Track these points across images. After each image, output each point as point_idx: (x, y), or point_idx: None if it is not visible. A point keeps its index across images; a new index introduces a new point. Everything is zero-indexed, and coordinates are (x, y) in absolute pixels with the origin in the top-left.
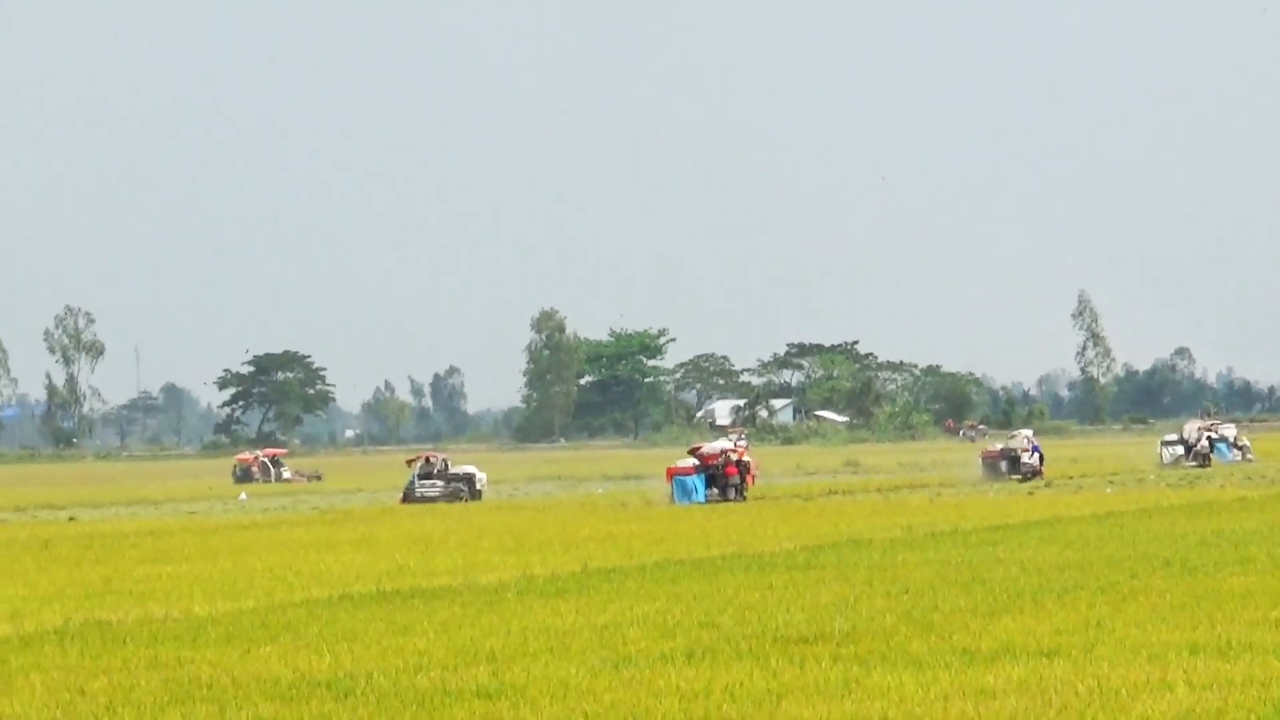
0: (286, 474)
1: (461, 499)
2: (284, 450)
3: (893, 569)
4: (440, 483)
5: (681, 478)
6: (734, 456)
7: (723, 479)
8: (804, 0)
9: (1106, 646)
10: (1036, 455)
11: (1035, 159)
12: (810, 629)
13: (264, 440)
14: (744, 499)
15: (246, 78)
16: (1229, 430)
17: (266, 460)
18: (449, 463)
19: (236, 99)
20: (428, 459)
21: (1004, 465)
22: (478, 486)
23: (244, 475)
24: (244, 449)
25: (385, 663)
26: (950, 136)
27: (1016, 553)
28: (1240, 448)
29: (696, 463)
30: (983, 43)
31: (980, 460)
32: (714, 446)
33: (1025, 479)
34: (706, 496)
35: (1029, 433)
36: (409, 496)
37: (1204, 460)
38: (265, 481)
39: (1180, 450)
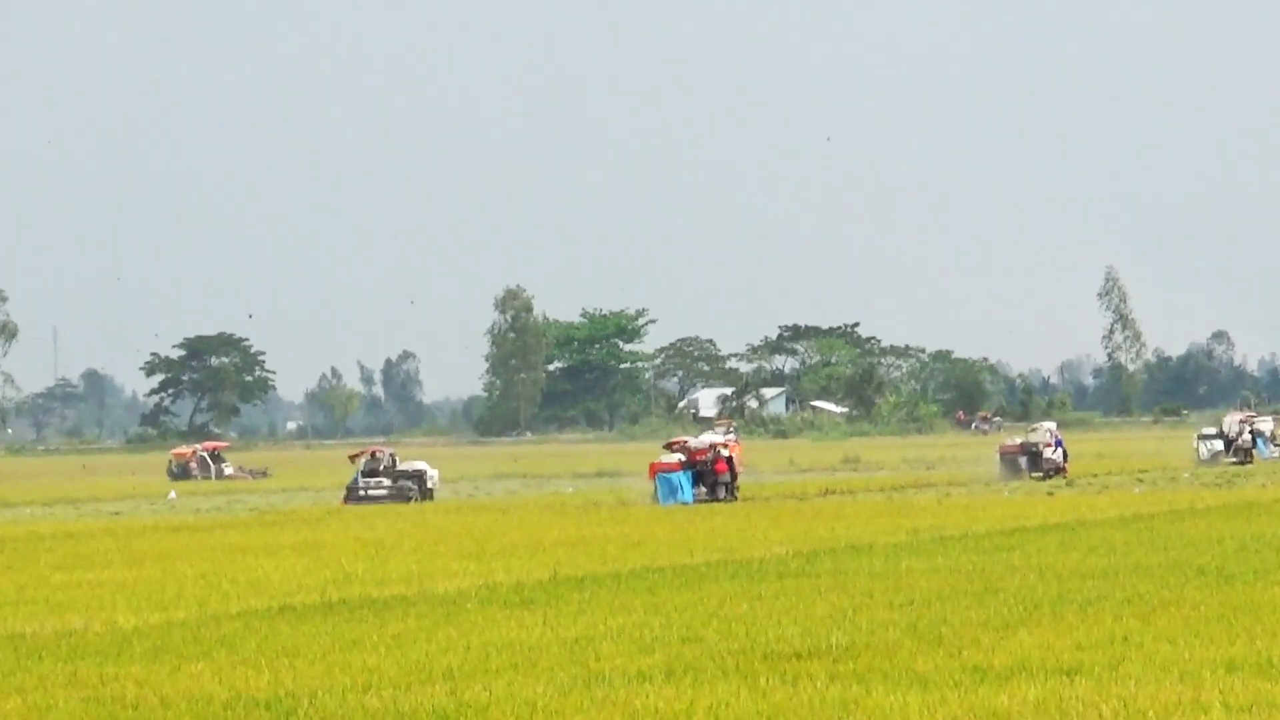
0: (229, 470)
1: (411, 499)
2: (225, 444)
3: (896, 577)
4: (387, 481)
5: (666, 475)
6: (724, 452)
7: (711, 476)
8: None
9: (1134, 664)
10: (1060, 451)
11: (1058, 123)
12: (804, 644)
13: (197, 433)
14: (735, 498)
15: (176, 46)
16: (1265, 424)
17: (206, 455)
18: (397, 459)
19: (166, 65)
20: (373, 454)
21: (1024, 461)
22: (429, 485)
23: (181, 472)
24: (177, 442)
25: (331, 681)
26: (962, 96)
27: (1034, 559)
28: (1279, 444)
29: (682, 459)
30: (999, 4)
31: (998, 456)
32: (701, 440)
33: (1047, 477)
34: (694, 496)
35: (1052, 425)
36: (352, 496)
37: (1246, 456)
38: (205, 478)
39: (1219, 445)
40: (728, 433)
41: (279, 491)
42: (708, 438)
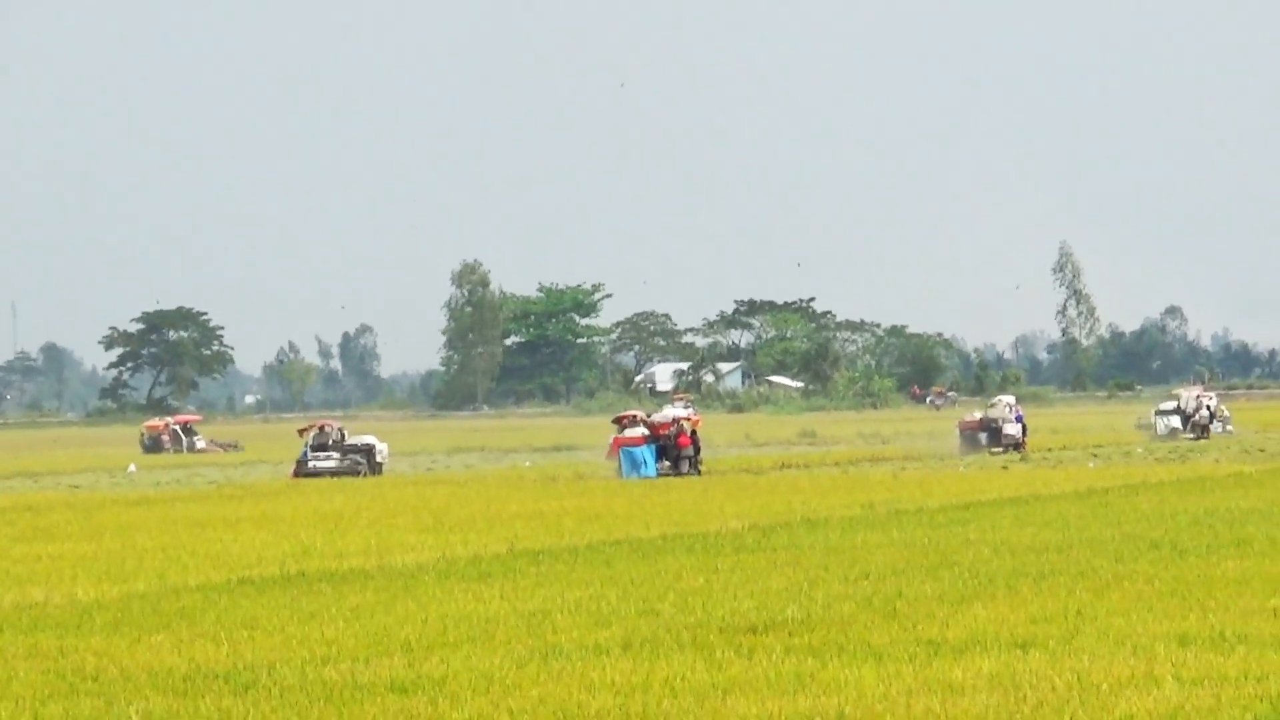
0: (200, 443)
1: (360, 472)
2: (198, 418)
3: (851, 551)
4: (336, 455)
5: (630, 449)
6: (687, 426)
7: (675, 450)
8: None
9: (1087, 637)
10: (1019, 425)
11: (1012, 99)
12: (760, 617)
13: (155, 407)
14: (699, 472)
15: (139, 17)
16: (1211, 399)
17: (178, 428)
18: (345, 433)
19: (125, 37)
20: (322, 428)
21: (983, 436)
22: (378, 459)
23: (153, 444)
24: (136, 416)
25: (290, 653)
26: (918, 74)
27: (988, 534)
28: (1221, 419)
29: (646, 433)
30: None
31: (957, 431)
32: (665, 415)
33: (1006, 451)
34: (658, 470)
35: (1011, 400)
36: (301, 469)
37: (1203, 431)
38: (177, 451)
39: (1177, 421)
40: (686, 407)
41: (238, 465)
42: (670, 412)
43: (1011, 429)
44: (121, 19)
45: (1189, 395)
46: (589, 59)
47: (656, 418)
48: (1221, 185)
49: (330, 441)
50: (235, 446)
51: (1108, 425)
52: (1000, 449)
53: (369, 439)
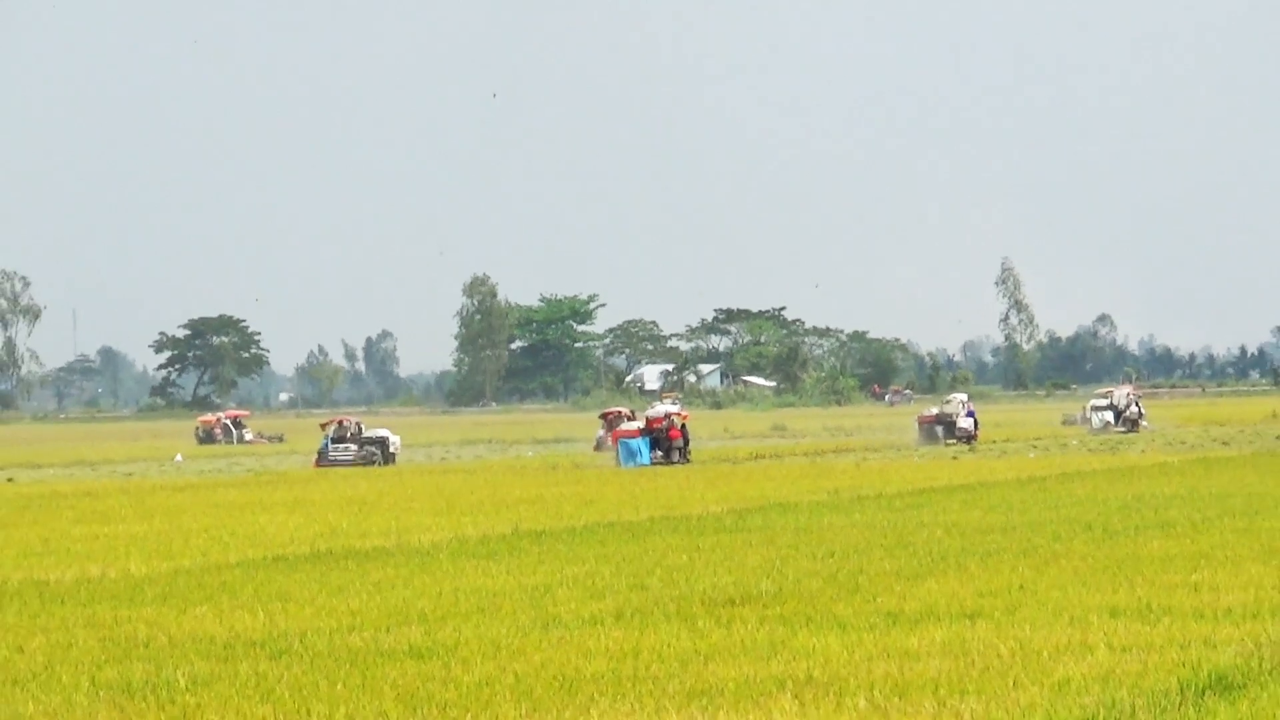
0: (249, 436)
1: (375, 463)
2: (246, 413)
3: (819, 532)
4: (354, 447)
5: (627, 440)
6: (677, 420)
7: (667, 442)
8: None
9: (1029, 609)
10: (972, 420)
11: (959, 126)
12: (737, 591)
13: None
14: (688, 461)
15: (178, 42)
16: (1123, 391)
17: (229, 422)
18: (363, 426)
19: (169, 65)
20: (341, 423)
21: (940, 430)
22: (391, 450)
23: (206, 437)
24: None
25: (319, 623)
26: (875, 106)
27: (940, 516)
28: (1141, 415)
29: (641, 426)
30: (905, 6)
31: (916, 425)
32: (657, 410)
33: (960, 443)
34: (651, 459)
35: (964, 397)
36: (323, 459)
37: (1133, 425)
38: (228, 443)
39: (1110, 415)
40: (674, 404)
41: (274, 455)
42: (662, 408)
43: (964, 423)
44: (155, 38)
45: (1121, 393)
46: (587, 91)
47: (650, 413)
48: (1148, 203)
49: (349, 435)
50: (279, 439)
51: (1046, 420)
52: (955, 441)
53: (383, 432)
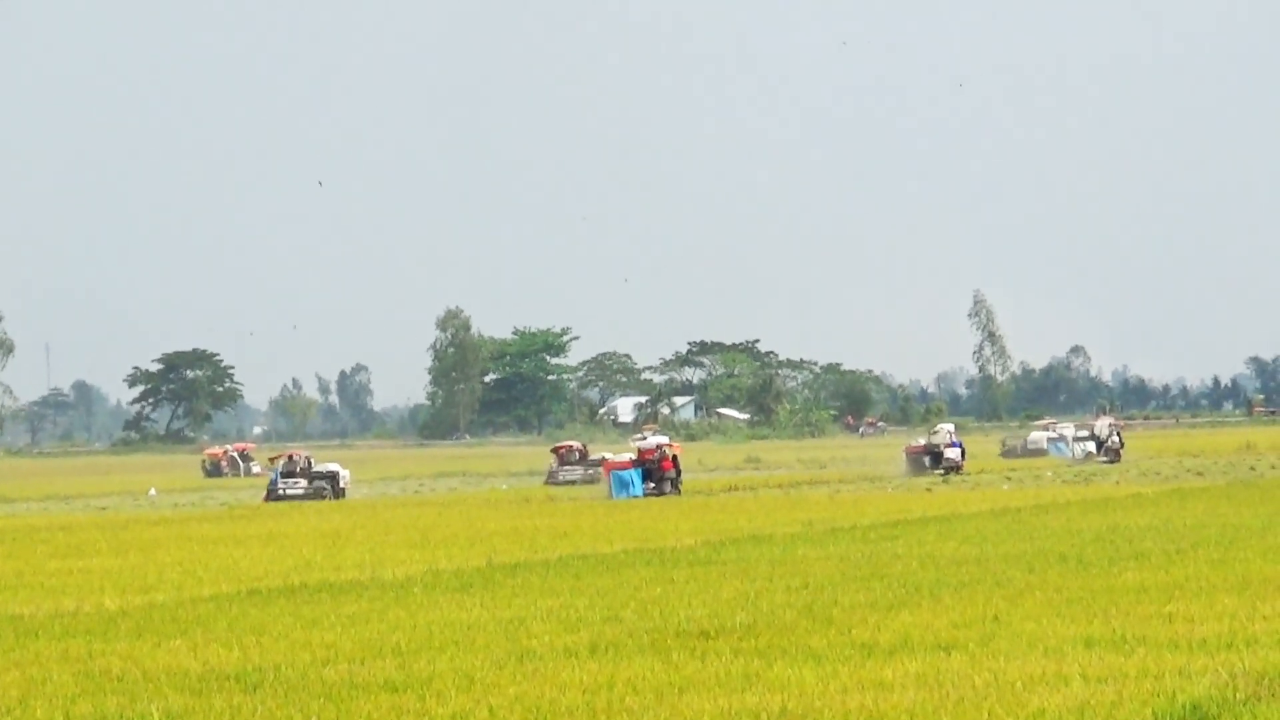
0: (256, 468)
1: (325, 497)
2: (253, 445)
3: (793, 564)
4: (304, 481)
5: (619, 472)
6: (669, 452)
7: (659, 473)
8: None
9: (1003, 640)
10: (959, 450)
11: (931, 160)
12: (711, 623)
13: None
14: (679, 492)
15: (155, 67)
16: (1068, 429)
17: (236, 455)
18: (312, 461)
19: (146, 92)
20: (290, 457)
21: (927, 460)
22: (341, 485)
23: (214, 470)
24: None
25: (293, 656)
26: (849, 136)
27: (915, 548)
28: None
29: (633, 458)
30: (878, 38)
31: (904, 455)
32: (649, 442)
33: (948, 473)
34: (644, 490)
35: (950, 428)
36: (272, 495)
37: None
38: (234, 475)
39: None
40: (651, 436)
41: (247, 489)
42: (654, 439)
43: (952, 453)
44: (130, 64)
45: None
46: (560, 122)
47: (641, 444)
48: (1122, 235)
49: (298, 469)
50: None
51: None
52: (942, 471)
53: (333, 466)
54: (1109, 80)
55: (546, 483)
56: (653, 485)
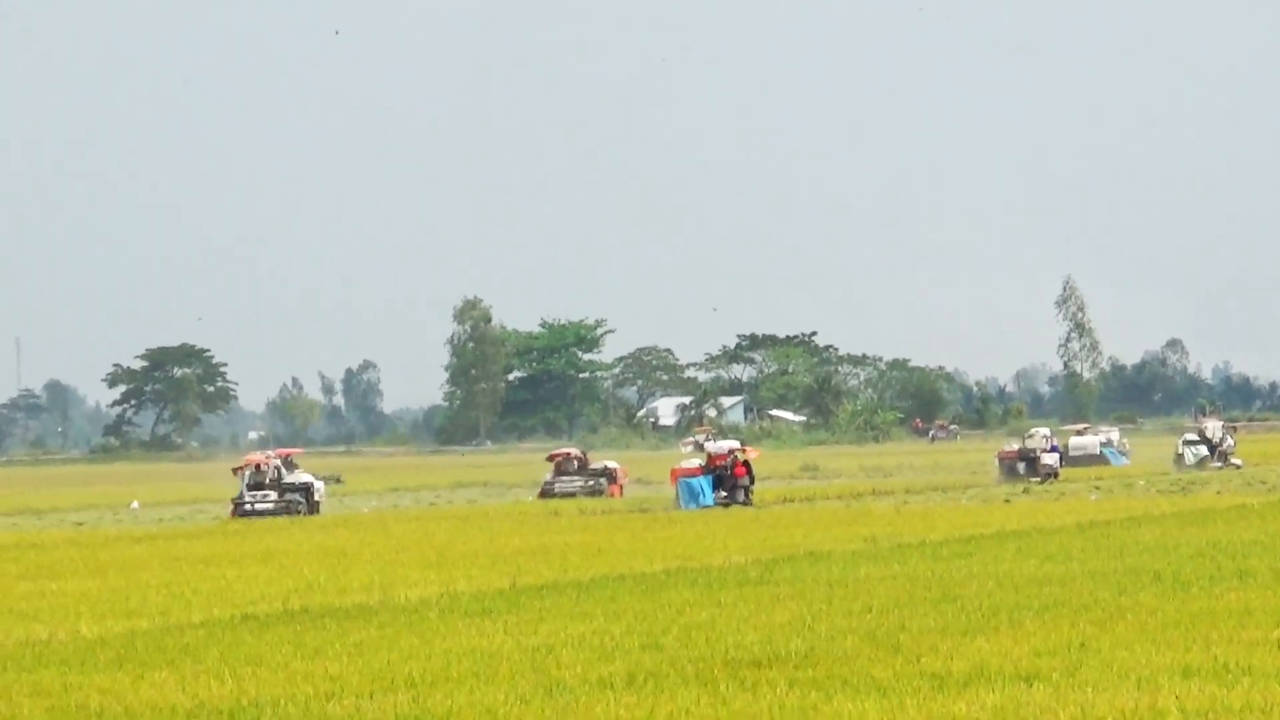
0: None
1: (299, 512)
2: (300, 450)
3: (854, 585)
4: (274, 494)
5: (689, 480)
6: (741, 456)
7: (731, 480)
8: None
9: (1091, 670)
10: (1056, 455)
11: (1016, 133)
12: (764, 651)
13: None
14: (751, 502)
15: (133, 57)
16: (1114, 434)
17: (279, 462)
18: (283, 471)
19: (123, 75)
20: (258, 467)
21: (1021, 466)
22: (315, 498)
23: (256, 481)
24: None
25: (294, 689)
26: (921, 104)
27: (991, 566)
28: (1124, 452)
29: (702, 463)
30: (958, 11)
31: (996, 461)
32: (720, 446)
33: (1044, 480)
34: (715, 499)
35: (1047, 431)
36: (239, 510)
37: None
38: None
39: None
40: (707, 439)
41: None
42: (725, 444)
43: (1049, 459)
44: (105, 52)
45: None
46: (590, 91)
47: (712, 449)
48: (1222, 217)
49: (268, 480)
50: (337, 480)
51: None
52: (1038, 478)
53: (307, 477)
54: (1213, 50)
55: (541, 495)
56: (724, 494)
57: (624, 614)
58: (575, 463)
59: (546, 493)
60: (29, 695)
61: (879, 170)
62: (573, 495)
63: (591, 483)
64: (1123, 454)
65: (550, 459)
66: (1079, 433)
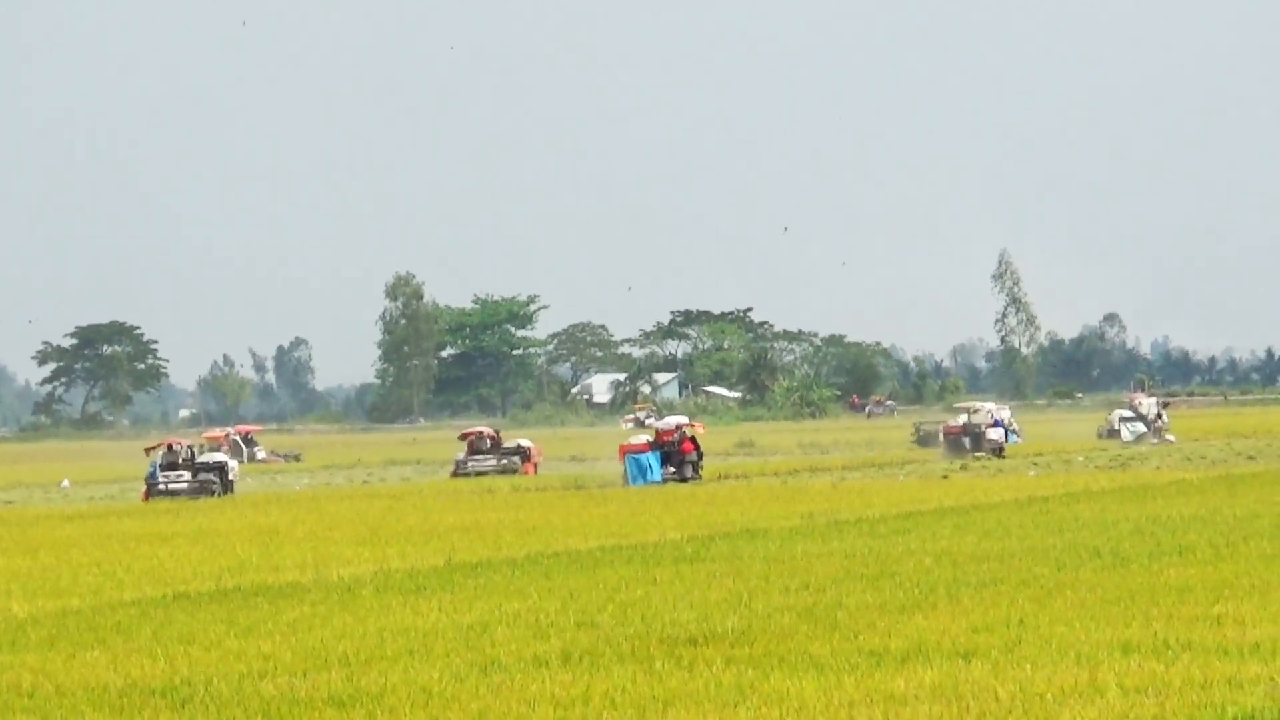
0: (261, 454)
1: (214, 492)
2: (259, 428)
3: (791, 562)
4: (188, 474)
5: (635, 455)
6: (689, 432)
7: (679, 456)
8: None
9: (1030, 646)
10: (1001, 430)
11: (950, 106)
12: (700, 629)
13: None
14: (700, 477)
15: (66, 33)
16: (1004, 412)
17: (239, 438)
18: (195, 451)
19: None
20: (170, 447)
21: (967, 441)
22: (230, 477)
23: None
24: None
25: (226, 668)
26: (855, 78)
27: (929, 543)
28: (1014, 430)
29: (650, 439)
30: None
31: (942, 436)
32: (668, 422)
33: (991, 455)
34: (663, 475)
35: (992, 406)
36: (153, 490)
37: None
38: (239, 462)
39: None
40: (647, 417)
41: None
42: (673, 419)
43: (994, 434)
44: (40, 28)
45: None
46: (525, 69)
47: (659, 425)
48: (1160, 190)
49: (181, 460)
50: (296, 457)
51: (1048, 434)
52: (983, 453)
53: (220, 457)
54: (1151, 25)
55: (454, 474)
56: (673, 470)
57: (559, 591)
58: (488, 441)
59: (459, 472)
60: None
61: (812, 144)
62: (485, 474)
63: (505, 461)
64: (1014, 433)
65: (463, 438)
66: (970, 411)
